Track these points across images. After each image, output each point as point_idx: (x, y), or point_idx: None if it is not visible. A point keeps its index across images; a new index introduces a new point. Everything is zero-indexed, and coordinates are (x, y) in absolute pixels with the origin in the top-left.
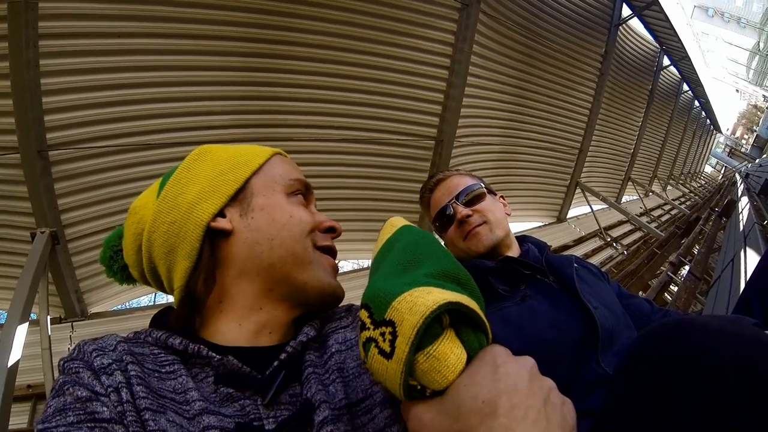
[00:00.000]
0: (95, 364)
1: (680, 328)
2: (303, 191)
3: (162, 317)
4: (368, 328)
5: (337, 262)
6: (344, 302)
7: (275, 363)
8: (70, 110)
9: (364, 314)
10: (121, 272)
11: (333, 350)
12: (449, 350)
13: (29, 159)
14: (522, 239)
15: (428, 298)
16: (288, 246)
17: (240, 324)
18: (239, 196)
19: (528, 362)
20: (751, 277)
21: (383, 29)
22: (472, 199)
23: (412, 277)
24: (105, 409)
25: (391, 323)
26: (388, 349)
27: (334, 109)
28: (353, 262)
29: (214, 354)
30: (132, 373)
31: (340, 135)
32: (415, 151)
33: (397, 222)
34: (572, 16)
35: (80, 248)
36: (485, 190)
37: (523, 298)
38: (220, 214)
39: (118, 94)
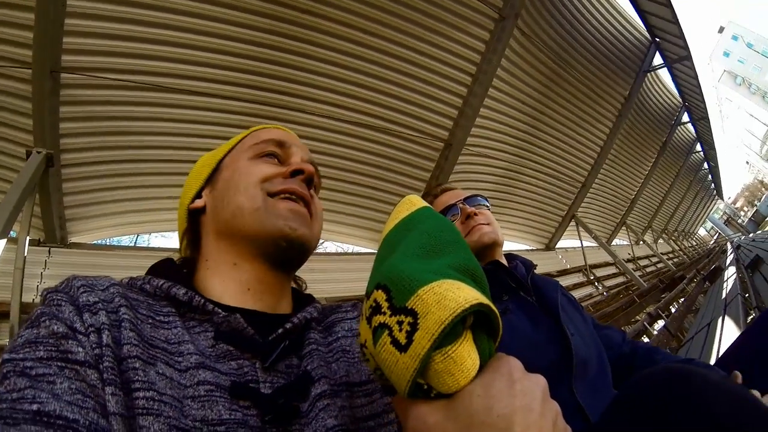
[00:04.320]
0: (80, 300)
1: (681, 377)
2: (274, 150)
3: (160, 268)
4: (384, 313)
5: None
6: (315, 283)
7: (280, 330)
8: (90, 36)
9: (381, 296)
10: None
11: (340, 335)
12: (467, 354)
13: (40, 77)
14: (510, 257)
15: (459, 294)
16: (233, 200)
17: (225, 281)
18: (212, 177)
19: (541, 381)
20: (749, 340)
21: (417, 23)
22: (477, 206)
23: (437, 266)
24: (80, 349)
25: (412, 313)
26: (403, 340)
27: (352, 91)
28: (337, 245)
29: (219, 310)
30: (125, 316)
31: (351, 117)
32: (423, 149)
33: (417, 201)
34: (604, 52)
35: (73, 175)
36: (489, 207)
37: (505, 311)
38: (198, 196)
39: (140, 30)
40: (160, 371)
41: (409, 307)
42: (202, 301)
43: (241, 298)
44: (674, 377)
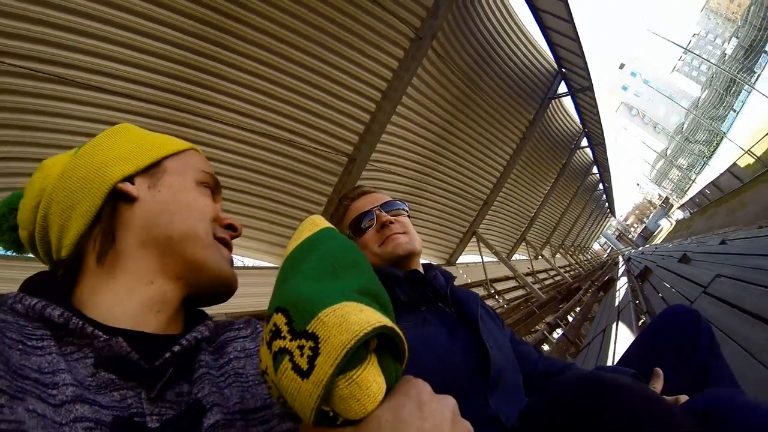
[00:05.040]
0: None
1: (593, 382)
2: (212, 186)
3: (35, 283)
4: (284, 337)
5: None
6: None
7: (167, 354)
8: None
9: (280, 319)
10: (9, 232)
11: (231, 356)
12: (372, 378)
13: None
14: (429, 267)
15: (361, 316)
16: (190, 224)
17: (129, 296)
18: (151, 170)
19: (450, 402)
20: (644, 343)
21: (333, 35)
22: (395, 212)
23: (339, 288)
24: None
25: (313, 337)
26: (305, 366)
27: (260, 100)
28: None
29: (100, 333)
30: None
31: (257, 127)
32: (327, 163)
33: (320, 221)
34: (514, 78)
35: None
36: (408, 212)
37: (423, 321)
38: (130, 180)
39: (52, 14)
40: (31, 407)
41: (310, 331)
42: (80, 323)
43: (139, 319)
44: (585, 383)
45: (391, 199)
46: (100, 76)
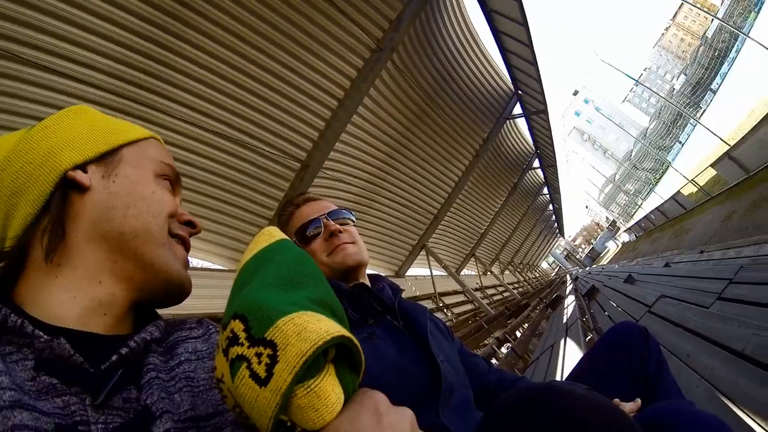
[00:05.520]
0: None
1: (549, 393)
2: (171, 178)
3: None
4: (242, 344)
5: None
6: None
7: (114, 357)
8: None
9: (238, 326)
10: None
11: (182, 359)
12: (330, 388)
13: None
14: (376, 278)
15: (319, 326)
16: (143, 219)
17: (74, 296)
18: (107, 158)
19: (408, 414)
20: (592, 359)
21: (294, 38)
22: (342, 221)
23: (296, 298)
24: None
25: (271, 345)
26: (263, 374)
27: (217, 99)
28: None
29: (40, 333)
30: None
31: (210, 125)
32: (279, 167)
33: (276, 233)
34: (470, 96)
35: None
36: (354, 222)
37: (371, 335)
38: (82, 168)
39: None
40: None
41: (268, 339)
42: (19, 321)
43: (84, 320)
44: (541, 393)
45: (337, 207)
46: (54, 57)
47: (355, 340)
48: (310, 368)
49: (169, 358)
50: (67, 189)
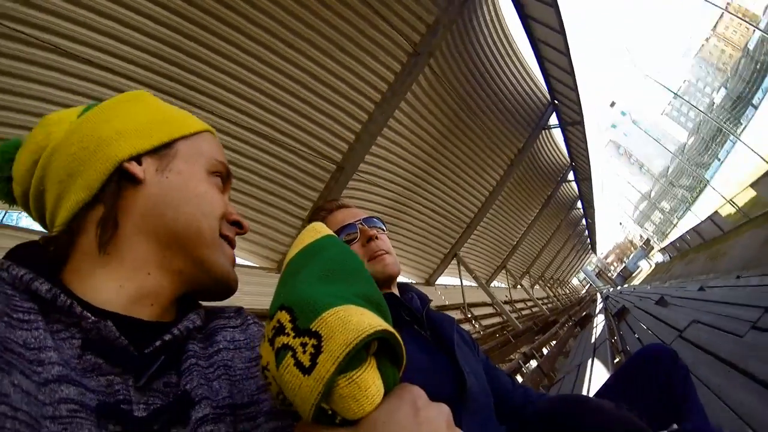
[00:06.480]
0: None
1: (579, 406)
2: (223, 175)
3: (23, 253)
4: (288, 334)
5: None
6: None
7: (157, 342)
8: None
9: (284, 317)
10: (3, 183)
11: (221, 347)
12: (371, 380)
13: None
14: (406, 288)
15: (363, 319)
16: (196, 219)
17: (121, 285)
18: (162, 151)
19: (444, 410)
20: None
21: (333, 41)
22: (376, 230)
23: (341, 292)
24: None
25: (316, 335)
26: (307, 363)
27: (255, 97)
28: None
29: (89, 314)
30: None
31: (249, 123)
32: (315, 168)
33: (321, 228)
34: (506, 104)
35: None
36: (385, 231)
37: None
38: (137, 160)
39: None
40: (16, 382)
41: (314, 330)
42: (69, 301)
43: (130, 307)
44: (571, 404)
45: (370, 215)
46: (95, 50)
47: (397, 335)
48: (353, 360)
49: (208, 345)
50: (121, 179)
